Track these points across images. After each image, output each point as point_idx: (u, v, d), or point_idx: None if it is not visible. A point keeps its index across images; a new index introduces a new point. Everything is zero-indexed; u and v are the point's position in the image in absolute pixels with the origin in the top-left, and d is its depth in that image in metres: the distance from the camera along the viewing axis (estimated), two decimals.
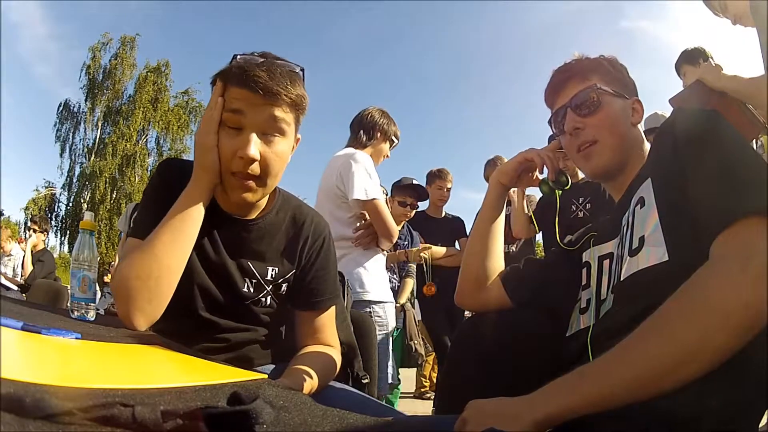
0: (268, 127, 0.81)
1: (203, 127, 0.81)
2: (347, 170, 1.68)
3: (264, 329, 0.95)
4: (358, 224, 1.74)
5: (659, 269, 0.65)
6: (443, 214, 2.88)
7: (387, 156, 1.93)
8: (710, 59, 1.93)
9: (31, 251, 4.12)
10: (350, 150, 1.79)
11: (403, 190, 2.41)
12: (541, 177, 0.98)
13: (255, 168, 0.80)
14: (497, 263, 0.98)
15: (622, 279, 0.72)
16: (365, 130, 1.86)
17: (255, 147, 0.79)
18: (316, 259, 0.95)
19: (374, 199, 1.68)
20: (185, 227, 0.79)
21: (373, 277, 1.76)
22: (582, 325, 0.81)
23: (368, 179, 1.69)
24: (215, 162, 0.80)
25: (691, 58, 2.04)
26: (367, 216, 1.74)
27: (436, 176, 2.85)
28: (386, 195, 2.43)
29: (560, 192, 0.97)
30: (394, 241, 1.81)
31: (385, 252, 1.91)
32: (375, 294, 1.74)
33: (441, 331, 2.62)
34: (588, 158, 0.84)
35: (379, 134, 1.86)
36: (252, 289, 0.90)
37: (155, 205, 0.84)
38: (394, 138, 1.91)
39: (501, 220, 1.00)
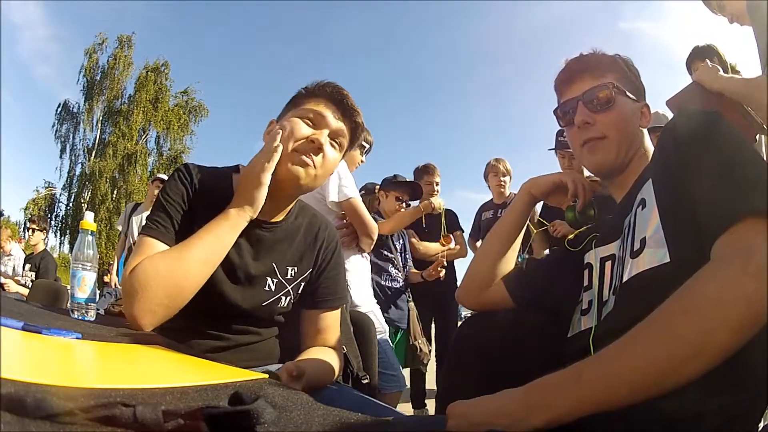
0: (336, 136, 0.93)
1: (263, 164, 0.85)
2: None
3: (275, 329, 0.98)
4: (336, 224, 1.77)
5: (661, 271, 0.65)
6: None
7: (362, 162, 1.96)
8: (722, 56, 1.91)
9: (32, 252, 4.12)
10: None
11: (400, 187, 2.43)
12: (570, 202, 0.96)
13: (318, 159, 0.89)
14: (507, 267, 0.98)
15: (623, 281, 0.71)
16: None
17: (326, 140, 0.90)
18: (329, 262, 1.00)
19: (350, 198, 1.72)
20: (218, 249, 0.83)
21: (359, 287, 1.79)
22: (583, 327, 0.81)
23: (343, 180, 1.73)
24: (262, 198, 0.86)
25: (704, 57, 1.96)
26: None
27: (424, 172, 2.85)
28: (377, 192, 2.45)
29: (582, 227, 0.95)
30: (375, 238, 1.82)
31: (366, 255, 1.91)
32: (363, 306, 1.76)
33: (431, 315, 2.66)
34: (593, 152, 0.84)
35: None
36: (273, 288, 0.92)
37: (175, 209, 0.87)
38: (365, 144, 1.94)
39: (522, 228, 0.99)
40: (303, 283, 0.97)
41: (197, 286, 0.80)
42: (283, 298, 0.94)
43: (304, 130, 0.89)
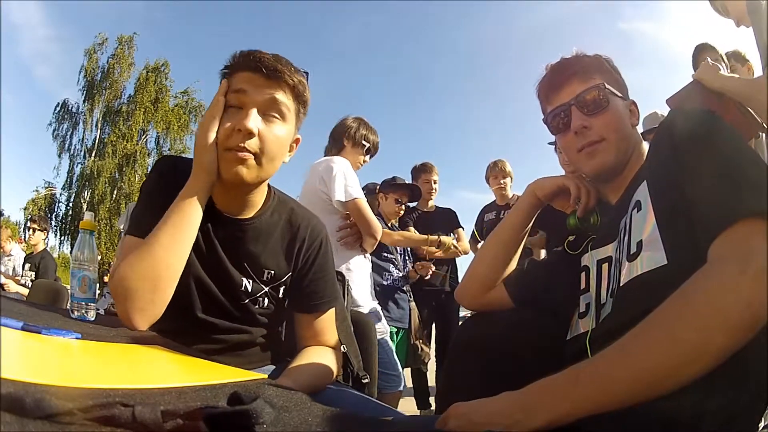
0: (269, 108, 0.82)
1: (202, 126, 0.82)
2: (329, 174, 1.74)
3: (262, 330, 0.95)
4: (340, 223, 1.78)
5: (658, 273, 0.64)
6: (434, 207, 2.90)
7: (364, 161, 1.96)
8: (723, 57, 1.90)
9: (31, 252, 4.12)
10: (328, 157, 1.86)
11: (400, 189, 2.45)
12: (575, 207, 0.91)
13: (253, 144, 0.80)
14: (509, 269, 0.96)
15: (621, 284, 0.71)
16: (334, 139, 1.94)
17: (254, 121, 0.80)
18: (313, 262, 0.95)
19: (355, 198, 1.73)
20: (184, 226, 0.79)
21: (360, 287, 1.79)
22: (581, 329, 0.80)
23: (348, 180, 1.75)
24: (213, 161, 0.81)
25: (709, 53, 1.98)
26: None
27: (422, 170, 2.86)
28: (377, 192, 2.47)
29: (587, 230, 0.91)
30: (378, 239, 1.82)
31: (368, 256, 1.92)
32: (365, 306, 1.77)
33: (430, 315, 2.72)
34: (592, 156, 0.82)
35: (346, 141, 1.91)
36: (250, 289, 0.90)
37: (153, 202, 0.84)
38: (364, 143, 1.93)
39: (526, 230, 0.96)
40: (283, 287, 0.93)
41: (173, 270, 0.78)
42: (261, 299, 0.91)
43: (227, 122, 0.81)
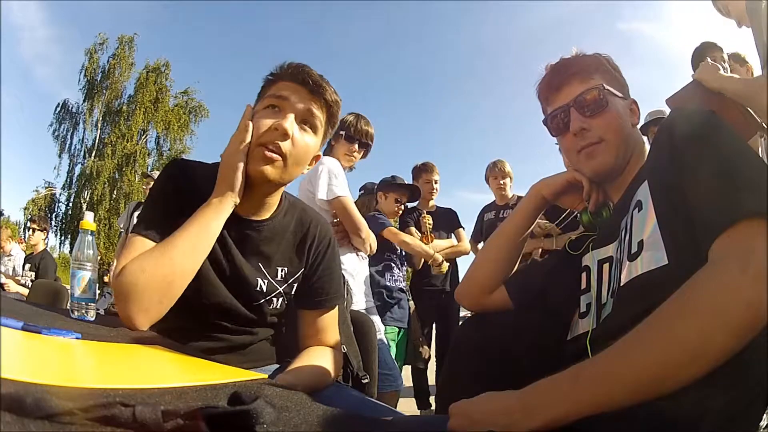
0: (305, 117, 0.88)
1: (232, 147, 0.85)
2: (314, 173, 1.75)
3: (270, 330, 0.96)
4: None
5: (659, 273, 0.64)
6: (435, 207, 2.89)
7: (352, 150, 1.89)
8: (724, 57, 1.90)
9: (31, 252, 4.12)
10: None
11: (400, 189, 2.46)
12: (585, 204, 0.90)
13: (286, 146, 0.84)
14: (510, 271, 0.96)
15: (622, 284, 0.71)
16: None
17: (291, 124, 0.84)
18: (322, 260, 0.97)
19: (339, 196, 1.73)
20: (204, 238, 0.81)
21: (354, 286, 1.79)
22: (581, 330, 0.80)
23: (332, 179, 1.75)
24: (240, 182, 0.84)
25: (710, 53, 1.92)
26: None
27: (423, 170, 2.85)
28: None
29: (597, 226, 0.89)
30: (365, 237, 1.81)
31: (363, 255, 1.92)
32: (358, 304, 1.77)
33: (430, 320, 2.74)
34: (592, 156, 0.82)
35: (331, 140, 1.90)
36: (264, 289, 0.91)
37: (163, 205, 0.86)
38: (341, 132, 1.89)
39: (527, 232, 0.95)
40: (295, 284, 0.95)
41: (186, 278, 0.79)
42: (275, 299, 0.93)
43: (266, 120, 0.85)
